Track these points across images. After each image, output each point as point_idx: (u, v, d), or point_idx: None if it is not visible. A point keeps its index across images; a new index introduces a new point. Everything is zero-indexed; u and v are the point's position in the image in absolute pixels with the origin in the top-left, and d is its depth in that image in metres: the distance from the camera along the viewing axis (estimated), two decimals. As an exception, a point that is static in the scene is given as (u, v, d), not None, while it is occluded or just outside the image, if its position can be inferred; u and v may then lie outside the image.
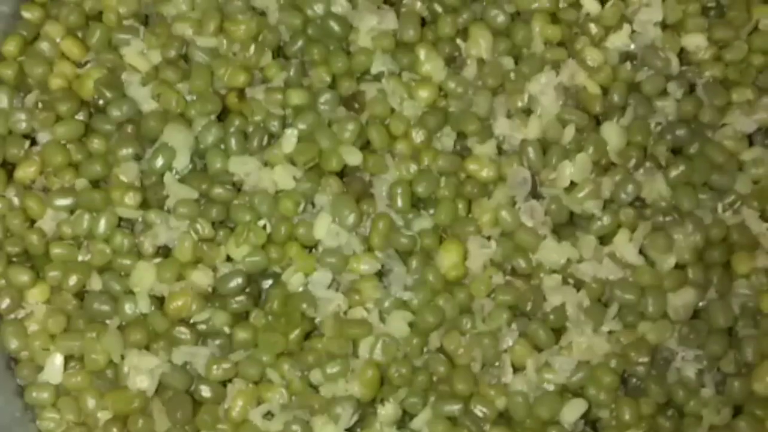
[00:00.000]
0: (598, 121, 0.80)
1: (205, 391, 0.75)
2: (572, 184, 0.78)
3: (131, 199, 0.76)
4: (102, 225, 0.76)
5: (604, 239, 0.78)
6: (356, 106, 0.80)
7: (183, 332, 0.75)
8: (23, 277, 0.76)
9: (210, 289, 0.76)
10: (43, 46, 0.80)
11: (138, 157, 0.78)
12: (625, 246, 0.77)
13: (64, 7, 0.81)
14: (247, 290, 0.77)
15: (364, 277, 0.77)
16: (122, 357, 0.75)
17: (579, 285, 0.77)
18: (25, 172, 0.77)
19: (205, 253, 0.76)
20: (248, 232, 0.76)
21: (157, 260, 0.76)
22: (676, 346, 0.77)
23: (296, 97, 0.78)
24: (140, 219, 0.77)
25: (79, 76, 0.80)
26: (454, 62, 0.81)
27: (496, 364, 0.76)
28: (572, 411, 0.75)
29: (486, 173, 0.78)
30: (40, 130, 0.78)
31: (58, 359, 0.75)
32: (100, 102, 0.79)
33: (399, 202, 0.77)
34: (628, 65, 0.81)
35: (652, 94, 0.80)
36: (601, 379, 0.75)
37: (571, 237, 0.78)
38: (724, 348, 0.76)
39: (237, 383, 0.75)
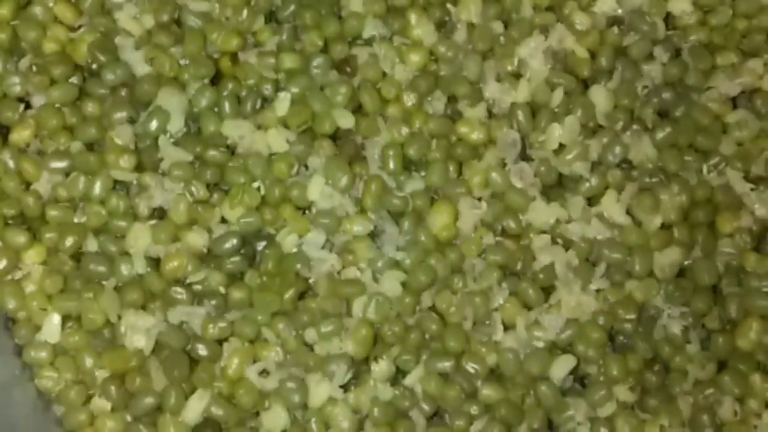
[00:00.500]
0: (586, 84, 0.82)
1: (202, 350, 0.76)
2: (561, 146, 0.80)
3: (126, 161, 0.77)
4: (97, 187, 0.77)
5: (592, 200, 0.80)
6: (348, 70, 0.81)
7: (179, 292, 0.76)
8: (20, 238, 0.76)
9: (205, 250, 0.77)
10: (37, 10, 0.80)
11: (132, 121, 0.79)
12: (612, 206, 0.79)
13: (56, -29, 0.81)
14: (242, 251, 0.78)
15: (357, 237, 0.78)
16: (119, 317, 0.76)
17: (568, 245, 0.79)
18: (20, 135, 0.78)
19: (200, 215, 0.77)
20: (242, 194, 0.77)
21: (153, 222, 0.77)
22: (662, 304, 0.78)
23: (289, 61, 0.79)
24: (135, 181, 0.78)
25: (73, 40, 0.80)
26: (444, 27, 0.82)
27: (487, 322, 0.78)
28: (561, 367, 0.77)
29: (476, 136, 0.80)
30: (34, 94, 0.79)
31: (56, 319, 0.75)
32: (94, 66, 0.79)
33: (391, 165, 0.79)
34: (615, 30, 0.82)
35: (638, 57, 0.82)
36: (589, 335, 0.77)
37: (560, 198, 0.80)
38: (709, 305, 0.78)
39: (233, 342, 0.76)
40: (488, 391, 0.76)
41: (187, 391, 0.75)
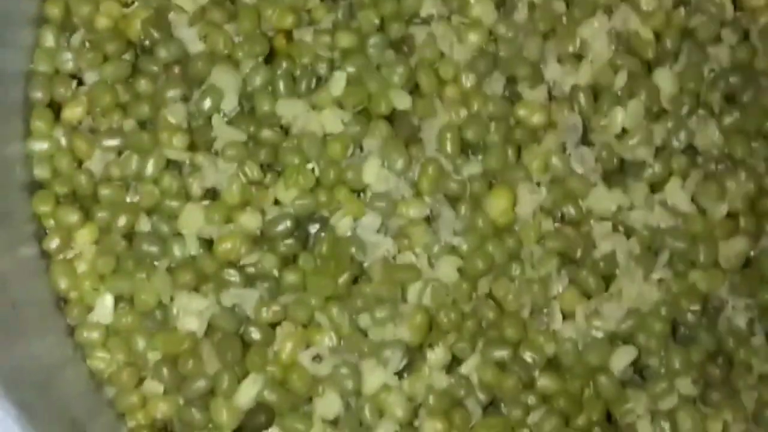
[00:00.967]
0: (650, 67, 0.79)
1: (255, 333, 0.74)
2: (623, 130, 0.77)
3: (179, 140, 0.76)
4: (150, 166, 0.75)
5: (655, 187, 0.77)
6: (405, 49, 0.79)
7: (232, 274, 0.75)
8: (72, 217, 0.75)
9: (258, 232, 0.76)
10: (90, -15, 0.79)
11: (185, 99, 0.77)
12: (676, 194, 0.77)
13: (109, -54, 0.79)
14: (296, 234, 0.76)
15: (412, 221, 0.76)
16: (171, 298, 0.75)
17: (629, 233, 0.77)
18: (73, 112, 0.77)
19: (253, 196, 0.76)
20: (297, 175, 0.76)
21: (206, 203, 0.76)
22: (726, 295, 0.76)
23: (345, 40, 0.77)
24: (188, 161, 0.76)
25: (126, 15, 0.78)
26: (504, 6, 0.80)
27: (545, 310, 0.76)
28: (621, 358, 0.75)
29: (536, 119, 0.77)
30: (86, 70, 0.77)
31: (108, 299, 0.75)
32: (147, 42, 0.78)
33: (448, 147, 0.77)
34: (681, 10, 0.80)
35: (705, 40, 0.79)
36: (650, 326, 0.75)
37: (622, 184, 0.77)
38: (776, 297, 0.76)
39: (285, 326, 0.75)
40: (546, 382, 0.75)
41: (239, 375, 0.74)
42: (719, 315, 0.76)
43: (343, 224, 0.76)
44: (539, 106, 0.78)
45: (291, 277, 0.75)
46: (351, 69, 0.77)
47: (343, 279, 0.75)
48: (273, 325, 0.75)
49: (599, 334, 0.75)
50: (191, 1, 0.78)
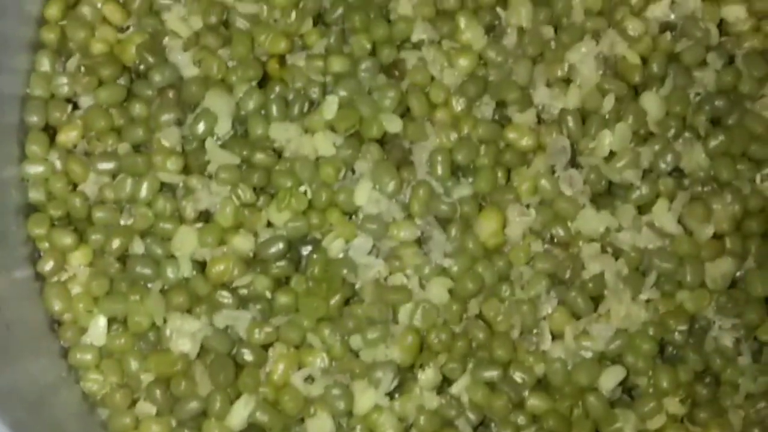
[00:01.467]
0: (637, 91, 0.80)
1: (247, 355, 0.75)
2: (611, 153, 0.78)
3: (173, 163, 0.76)
4: (144, 189, 0.76)
5: (642, 209, 0.78)
6: (396, 73, 0.80)
7: (225, 296, 0.76)
8: (66, 239, 0.76)
9: (251, 254, 0.77)
10: (85, 10, 0.79)
11: (179, 123, 0.78)
12: (663, 215, 0.78)
13: (104, -29, 0.81)
14: (288, 256, 0.77)
15: (404, 243, 0.77)
16: (165, 320, 0.75)
17: (617, 254, 0.78)
18: (68, 136, 0.77)
19: (246, 219, 0.77)
20: (289, 198, 0.76)
21: (199, 225, 0.77)
22: (713, 315, 0.77)
23: (337, 64, 0.78)
24: (182, 184, 0.77)
25: (121, 40, 0.80)
26: (494, 30, 0.81)
27: (535, 331, 0.77)
28: (610, 378, 0.76)
29: (525, 142, 0.78)
30: (82, 95, 0.78)
31: (102, 321, 0.75)
32: (142, 67, 0.79)
33: (439, 170, 0.78)
34: (668, 35, 0.81)
35: (691, 64, 0.80)
36: (639, 346, 0.76)
37: (610, 206, 0.78)
38: (762, 317, 0.77)
39: (278, 347, 0.76)
40: (535, 401, 0.76)
41: (232, 396, 0.74)
42: (706, 335, 0.77)
43: (334, 246, 0.77)
44: (528, 129, 0.79)
45: (283, 299, 0.76)
46: (343, 93, 0.78)
47: (334, 300, 0.76)
48: (265, 347, 0.76)
49: (588, 354, 0.76)
50: (186, 27, 0.79)
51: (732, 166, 0.78)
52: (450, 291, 0.76)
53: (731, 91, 0.80)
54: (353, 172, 0.78)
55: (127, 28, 0.80)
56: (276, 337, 0.76)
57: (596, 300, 0.77)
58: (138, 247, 0.77)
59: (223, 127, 0.78)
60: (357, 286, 0.77)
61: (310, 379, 0.76)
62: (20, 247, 0.77)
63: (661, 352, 0.78)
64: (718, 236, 0.78)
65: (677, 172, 0.79)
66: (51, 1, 0.79)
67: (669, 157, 0.78)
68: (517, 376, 0.76)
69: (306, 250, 0.78)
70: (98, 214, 0.77)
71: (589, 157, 0.79)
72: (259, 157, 0.77)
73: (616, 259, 0.77)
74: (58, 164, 0.77)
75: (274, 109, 0.78)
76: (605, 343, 0.76)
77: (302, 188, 0.77)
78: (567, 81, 0.80)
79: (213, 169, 0.77)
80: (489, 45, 0.80)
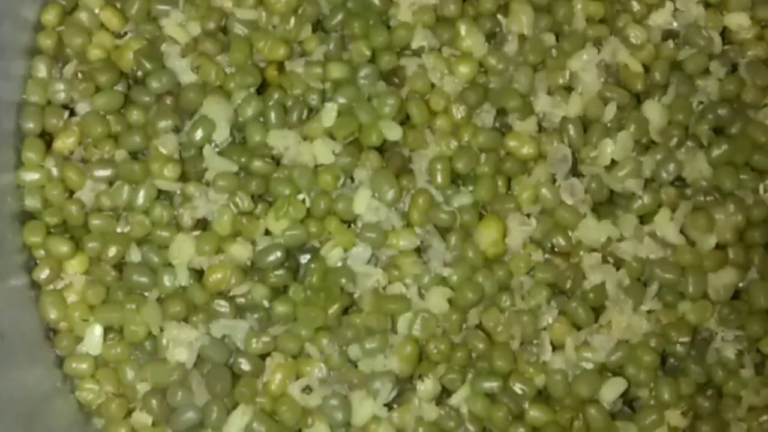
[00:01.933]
0: (639, 99, 0.80)
1: (244, 365, 0.74)
2: (613, 162, 0.78)
3: (170, 171, 0.76)
4: (141, 197, 0.76)
5: (644, 218, 0.78)
6: (396, 80, 0.79)
7: (222, 305, 0.75)
8: (62, 247, 0.75)
9: (249, 263, 0.76)
10: (82, 16, 0.79)
11: (177, 129, 0.78)
12: (665, 225, 0.77)
13: (102, -23, 0.80)
14: (286, 264, 0.76)
15: (403, 252, 0.76)
16: (161, 329, 0.75)
17: (619, 264, 0.77)
18: (64, 142, 0.77)
19: (244, 227, 0.76)
20: (287, 206, 0.76)
21: (196, 233, 0.76)
22: (715, 327, 0.76)
23: (336, 71, 0.78)
24: (179, 191, 0.77)
25: (118, 46, 0.79)
26: (494, 38, 0.81)
27: (535, 341, 0.76)
28: (611, 390, 0.75)
29: (526, 150, 0.78)
30: (79, 101, 0.78)
31: (98, 330, 0.75)
32: (139, 73, 0.78)
33: (438, 178, 0.77)
34: (670, 43, 0.80)
35: (694, 72, 0.80)
36: (640, 358, 0.75)
37: (611, 216, 0.78)
38: (764, 329, 0.76)
39: (276, 357, 0.75)
40: (536, 413, 0.75)
41: (229, 407, 0.74)
42: (708, 347, 0.77)
43: (333, 255, 0.76)
44: (529, 137, 0.78)
45: (281, 308, 0.75)
46: (342, 100, 0.77)
47: (333, 310, 0.75)
48: (263, 356, 0.75)
49: (589, 366, 0.75)
50: (184, 33, 0.79)
51: (735, 175, 0.78)
52: (449, 301, 0.76)
53: (734, 100, 0.80)
54: (352, 180, 0.78)
55: (125, 34, 0.80)
56: (273, 346, 0.75)
57: (597, 311, 0.77)
58: (135, 255, 0.76)
59: (221, 134, 0.77)
60: (355, 296, 0.76)
61: (307, 389, 0.75)
62: (16, 255, 0.76)
63: (663, 363, 0.77)
64: (720, 247, 0.77)
65: (679, 182, 0.79)
66: (48, 6, 0.78)
67: (671, 167, 0.77)
68: (517, 388, 0.75)
69: (304, 259, 0.78)
70: (95, 222, 0.76)
71: (590, 166, 0.78)
72: (258, 164, 0.77)
73: (618, 269, 0.77)
74: (54, 171, 0.77)
75: (273, 116, 0.77)
76: (606, 355, 0.75)
77: (301, 196, 0.77)
78: (568, 89, 0.80)
79: (211, 177, 0.77)
80: (490, 52, 0.79)
